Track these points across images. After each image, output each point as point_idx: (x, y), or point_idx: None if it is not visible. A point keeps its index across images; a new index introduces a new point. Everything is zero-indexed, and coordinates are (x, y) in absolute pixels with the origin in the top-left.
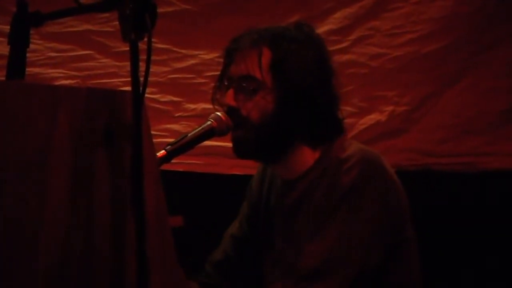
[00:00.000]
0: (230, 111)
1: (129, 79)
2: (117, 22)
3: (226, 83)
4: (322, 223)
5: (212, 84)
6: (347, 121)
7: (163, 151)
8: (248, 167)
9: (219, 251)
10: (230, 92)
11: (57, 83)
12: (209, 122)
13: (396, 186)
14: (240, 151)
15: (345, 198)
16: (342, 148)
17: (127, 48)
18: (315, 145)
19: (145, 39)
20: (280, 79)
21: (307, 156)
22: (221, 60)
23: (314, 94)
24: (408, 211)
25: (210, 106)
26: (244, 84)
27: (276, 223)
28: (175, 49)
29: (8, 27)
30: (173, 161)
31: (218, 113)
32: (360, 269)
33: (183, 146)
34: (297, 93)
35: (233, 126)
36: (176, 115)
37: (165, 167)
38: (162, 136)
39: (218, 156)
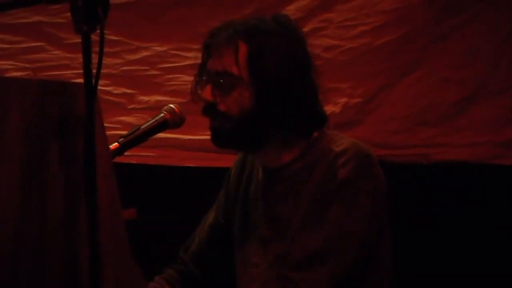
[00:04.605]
0: (208, 107)
1: (81, 71)
2: (69, 13)
3: (204, 78)
4: (317, 214)
5: (166, 76)
6: None
7: (116, 143)
8: (202, 159)
9: (194, 242)
10: (208, 87)
11: (7, 75)
12: (162, 114)
13: (384, 184)
14: (218, 140)
15: (341, 191)
16: (333, 140)
17: (79, 40)
18: (298, 136)
19: (98, 31)
20: (257, 74)
21: (292, 146)
22: (175, 52)
23: (292, 87)
24: (389, 211)
25: (163, 98)
26: (221, 80)
27: (260, 210)
28: (128, 41)
29: None
30: (126, 153)
31: (171, 105)
32: (352, 264)
33: (136, 139)
34: (275, 87)
35: (209, 119)
36: (129, 107)
37: (118, 159)
38: (115, 128)
39: (171, 148)
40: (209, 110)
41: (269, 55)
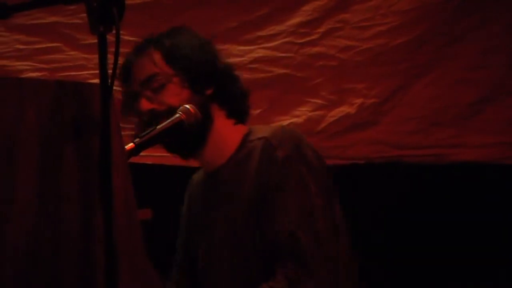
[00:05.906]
0: (150, 115)
1: (97, 71)
2: (85, 14)
3: (134, 98)
4: (269, 200)
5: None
6: (317, 113)
7: (131, 144)
8: None
9: (172, 282)
10: (142, 100)
11: (24, 75)
12: (177, 115)
13: (321, 155)
14: (169, 142)
15: (284, 170)
16: (262, 130)
17: (95, 41)
18: (235, 121)
19: (113, 31)
20: (177, 63)
21: (227, 143)
22: None
23: (214, 65)
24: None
25: None
26: (149, 84)
27: (211, 216)
28: None
29: None
30: (141, 153)
31: (187, 106)
32: (322, 231)
33: (152, 139)
34: (199, 68)
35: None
36: None
37: (134, 159)
38: (131, 129)
39: None
40: (152, 117)
41: (181, 46)
